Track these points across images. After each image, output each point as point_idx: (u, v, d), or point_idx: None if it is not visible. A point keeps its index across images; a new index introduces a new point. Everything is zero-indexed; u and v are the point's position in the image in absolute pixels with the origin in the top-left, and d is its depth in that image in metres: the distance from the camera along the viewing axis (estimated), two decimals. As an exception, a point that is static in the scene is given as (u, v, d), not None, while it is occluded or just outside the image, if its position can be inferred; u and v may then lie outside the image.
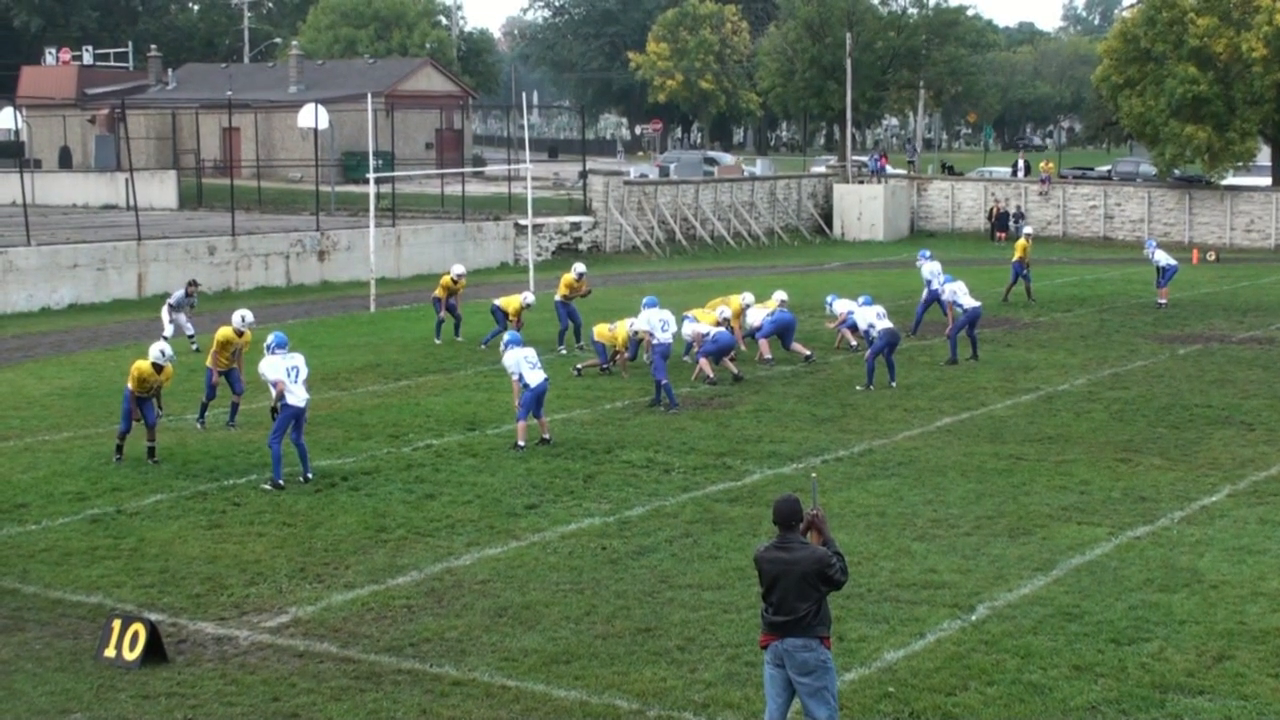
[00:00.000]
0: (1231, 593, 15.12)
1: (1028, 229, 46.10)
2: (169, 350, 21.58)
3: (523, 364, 21.94)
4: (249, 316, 23.61)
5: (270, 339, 20.56)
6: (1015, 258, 40.46)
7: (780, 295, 30.32)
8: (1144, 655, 13.35)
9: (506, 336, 23.13)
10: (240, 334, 23.34)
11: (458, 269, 33.63)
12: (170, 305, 32.18)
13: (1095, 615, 14.36)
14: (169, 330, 31.64)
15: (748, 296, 30.55)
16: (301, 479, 19.88)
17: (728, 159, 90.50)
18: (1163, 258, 39.57)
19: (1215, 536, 17.22)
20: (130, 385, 21.12)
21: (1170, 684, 12.70)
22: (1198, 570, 15.89)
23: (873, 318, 27.85)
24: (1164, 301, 39.29)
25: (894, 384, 27.08)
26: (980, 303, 31.21)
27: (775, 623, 10.54)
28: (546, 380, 22.25)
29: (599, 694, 12.57)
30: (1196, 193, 63.51)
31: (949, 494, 19.27)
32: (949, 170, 78.57)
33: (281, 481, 19.64)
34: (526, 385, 21.85)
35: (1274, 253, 59.01)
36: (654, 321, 26.32)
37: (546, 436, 22.21)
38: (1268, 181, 65.78)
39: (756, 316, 30.10)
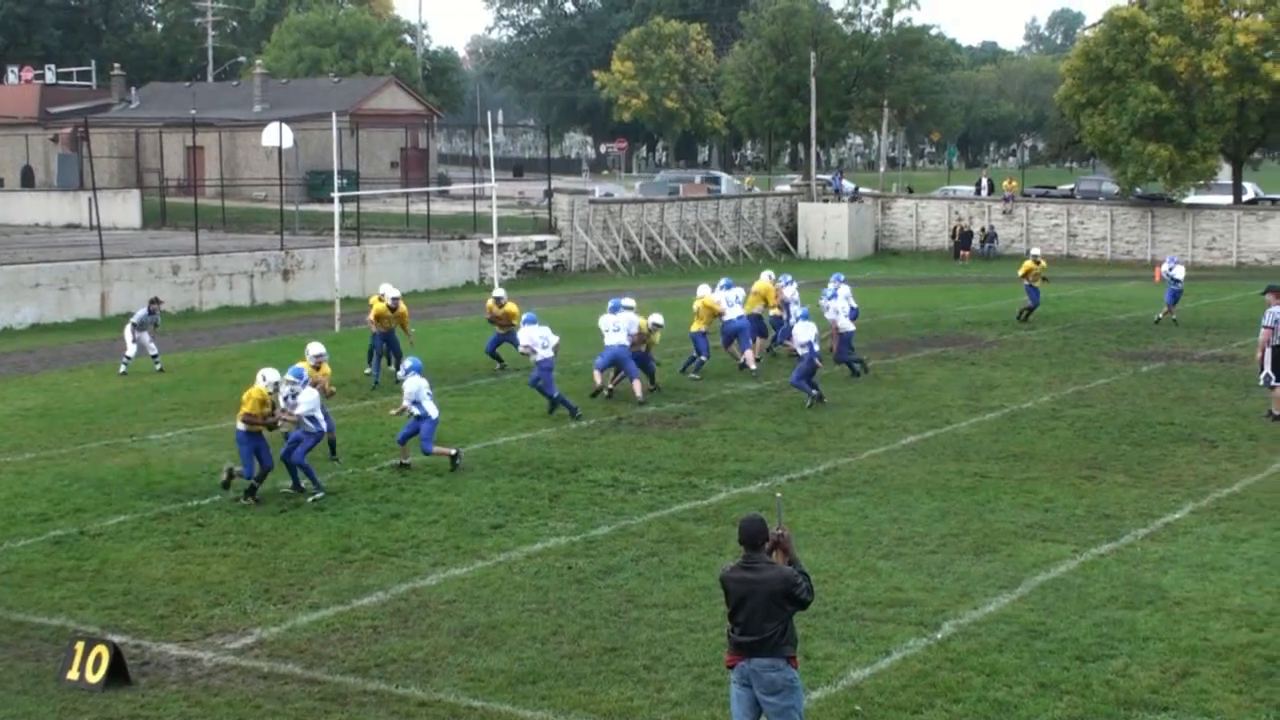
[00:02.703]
0: (1195, 609, 15.19)
1: (1035, 250, 44.81)
2: (273, 375, 20.41)
3: (423, 394, 21.74)
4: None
5: (408, 362, 22.06)
6: (1032, 283, 39.62)
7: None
8: (1109, 672, 13.40)
9: (408, 363, 22.53)
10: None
11: (391, 291, 30.76)
12: (134, 324, 31.95)
13: (1060, 632, 14.40)
14: (131, 350, 31.44)
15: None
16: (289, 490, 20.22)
17: (732, 180, 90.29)
18: (1180, 274, 39.98)
19: (1179, 553, 17.30)
20: (242, 425, 19.90)
21: (1135, 701, 12.75)
22: (1162, 587, 15.96)
23: (810, 336, 27.51)
24: (1174, 317, 39.56)
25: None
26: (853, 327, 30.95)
27: (742, 643, 10.51)
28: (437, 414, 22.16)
29: (565, 714, 12.55)
30: (1158, 211, 63.90)
31: (914, 512, 19.32)
32: (909, 192, 78.93)
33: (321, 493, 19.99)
34: (425, 415, 21.66)
35: (1235, 271, 59.37)
36: (535, 338, 26.21)
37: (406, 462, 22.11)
38: (1229, 200, 66.24)
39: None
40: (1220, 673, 13.41)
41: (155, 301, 33.46)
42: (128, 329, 32.01)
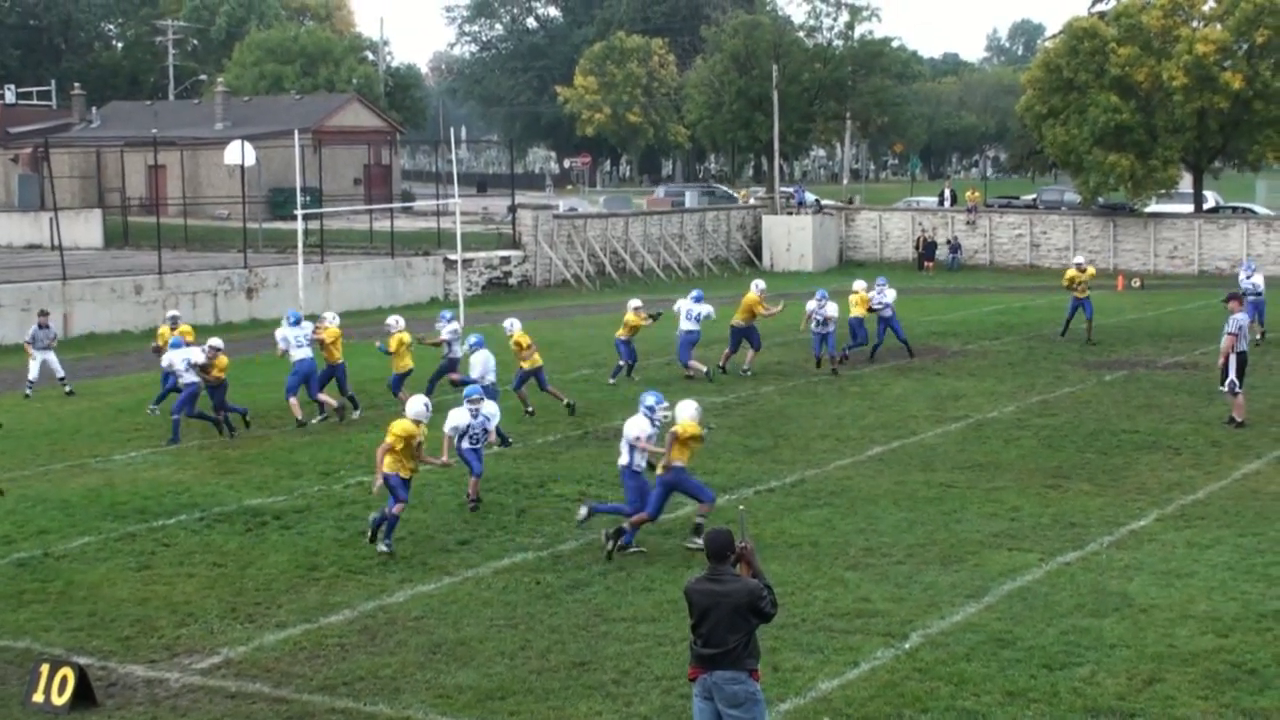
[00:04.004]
0: (1161, 616, 15.26)
1: (1079, 259, 41.41)
2: (427, 405, 19.13)
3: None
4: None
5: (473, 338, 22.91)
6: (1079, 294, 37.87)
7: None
8: (1076, 680, 13.45)
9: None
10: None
11: (329, 315, 29.30)
12: (29, 343, 31.24)
13: (1027, 641, 14.45)
14: (34, 374, 30.66)
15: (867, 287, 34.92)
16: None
17: (731, 192, 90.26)
18: (1260, 282, 37.71)
19: (1144, 561, 17.39)
20: (388, 466, 18.34)
21: (1102, 708, 12.80)
22: (1127, 594, 16.03)
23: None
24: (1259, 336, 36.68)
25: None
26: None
27: (705, 655, 10.49)
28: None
29: (534, 729, 12.55)
30: (1120, 220, 64.25)
31: (881, 522, 19.37)
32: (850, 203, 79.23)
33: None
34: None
35: (1197, 279, 59.72)
36: (476, 365, 25.19)
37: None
38: (1190, 208, 66.66)
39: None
40: (1186, 679, 13.47)
41: (43, 314, 32.54)
42: (30, 351, 31.25)
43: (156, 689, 13.67)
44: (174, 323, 29.82)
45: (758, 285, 33.72)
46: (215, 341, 26.70)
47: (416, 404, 19.02)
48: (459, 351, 28.16)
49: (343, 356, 28.24)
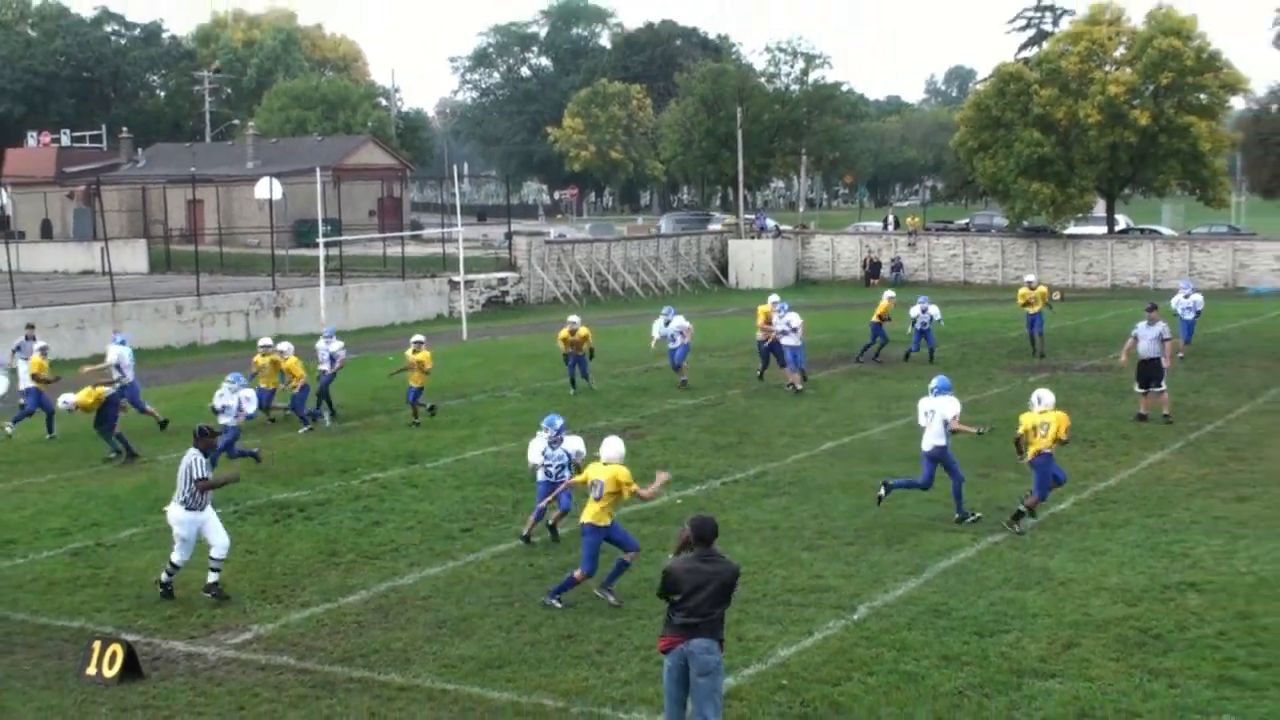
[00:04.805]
0: (1078, 588, 15.31)
1: (1030, 277, 39.05)
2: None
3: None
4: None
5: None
6: (1035, 309, 35.97)
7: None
8: (1003, 645, 13.49)
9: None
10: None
11: (264, 340, 27.54)
12: (16, 351, 29.65)
13: (961, 611, 14.48)
14: (2, 389, 28.11)
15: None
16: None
17: (723, 217, 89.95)
18: (1198, 303, 35.38)
19: (1064, 540, 17.44)
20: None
21: (1026, 669, 12.84)
22: (1049, 569, 16.07)
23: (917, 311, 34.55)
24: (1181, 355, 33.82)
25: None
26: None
27: (688, 624, 10.37)
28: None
29: (528, 694, 12.53)
30: (1043, 241, 64.37)
31: (833, 509, 19.38)
32: (804, 228, 79.22)
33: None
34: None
35: (1110, 292, 59.85)
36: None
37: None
38: (1103, 230, 66.86)
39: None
40: (1100, 643, 13.52)
41: (30, 327, 31.11)
42: (17, 364, 29.41)
43: (196, 662, 13.65)
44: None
45: (774, 299, 32.20)
46: (283, 346, 27.07)
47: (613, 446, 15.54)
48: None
49: (304, 378, 27.09)
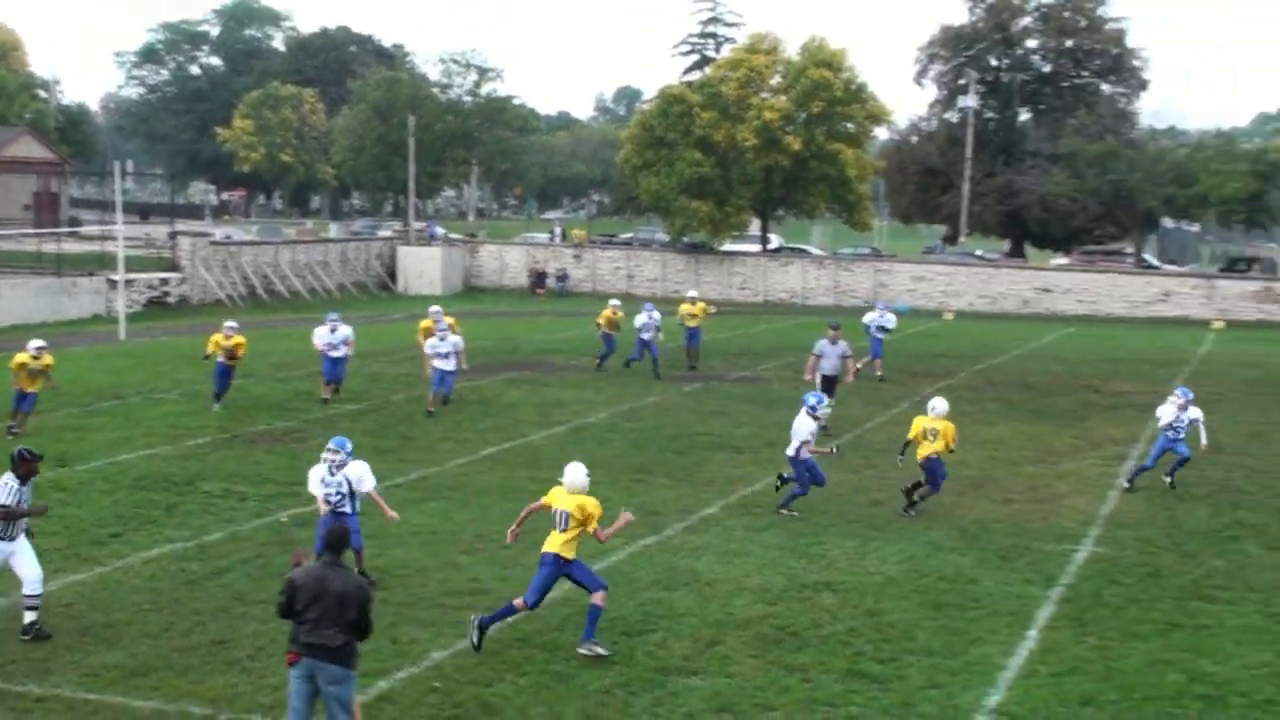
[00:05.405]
0: (722, 589, 15.74)
1: (693, 293, 39.61)
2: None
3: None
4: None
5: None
6: (695, 324, 36.72)
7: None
8: (649, 644, 13.75)
9: None
10: None
11: (35, 344, 25.43)
12: None
13: (611, 612, 14.63)
14: None
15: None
16: None
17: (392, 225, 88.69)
18: (890, 323, 35.40)
19: (710, 543, 17.90)
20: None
21: (670, 667, 13.12)
22: (696, 571, 16.47)
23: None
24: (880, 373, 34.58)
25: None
26: None
27: (311, 645, 10.18)
28: None
29: (174, 702, 12.08)
30: (701, 257, 66.15)
31: (491, 513, 19.38)
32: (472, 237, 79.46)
33: None
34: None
35: (763, 306, 61.96)
36: None
37: None
38: (758, 248, 69.19)
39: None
40: (741, 641, 13.93)
41: None
42: None
43: None
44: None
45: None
46: None
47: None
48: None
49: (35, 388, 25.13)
